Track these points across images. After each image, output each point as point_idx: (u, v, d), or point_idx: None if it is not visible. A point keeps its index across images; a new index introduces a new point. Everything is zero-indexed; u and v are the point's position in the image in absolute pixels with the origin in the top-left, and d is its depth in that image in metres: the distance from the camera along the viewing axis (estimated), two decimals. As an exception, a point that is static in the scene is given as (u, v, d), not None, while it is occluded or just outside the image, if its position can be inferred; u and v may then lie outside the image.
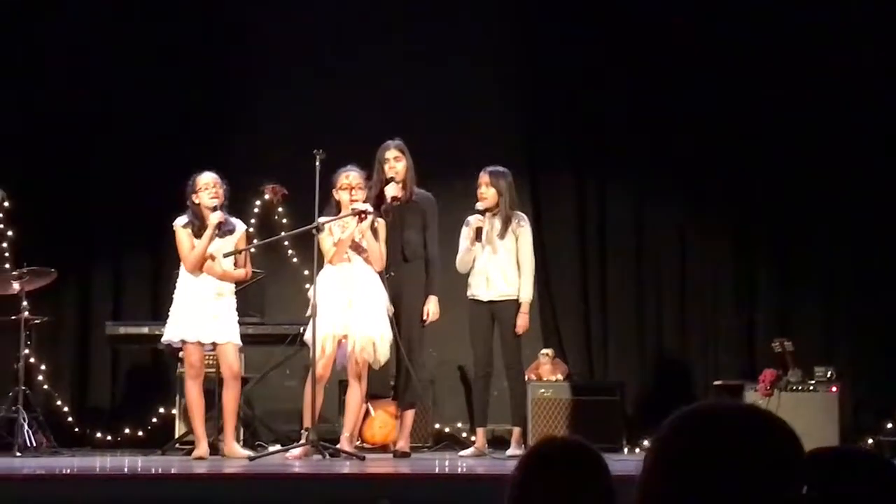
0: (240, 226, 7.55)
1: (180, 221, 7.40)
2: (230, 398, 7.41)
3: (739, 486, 1.87)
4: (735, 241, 9.56)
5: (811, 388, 8.43)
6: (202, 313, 7.32)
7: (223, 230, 7.40)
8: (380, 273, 7.36)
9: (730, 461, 1.89)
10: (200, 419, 7.40)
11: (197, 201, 7.37)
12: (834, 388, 8.40)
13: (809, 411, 8.35)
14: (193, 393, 7.37)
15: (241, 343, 7.53)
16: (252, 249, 7.40)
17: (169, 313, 7.46)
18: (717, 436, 1.92)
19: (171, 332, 7.38)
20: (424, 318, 7.62)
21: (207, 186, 7.35)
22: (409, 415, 7.78)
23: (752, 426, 1.94)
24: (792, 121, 9.35)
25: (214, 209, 7.31)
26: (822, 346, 9.15)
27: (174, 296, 7.45)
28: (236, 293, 7.60)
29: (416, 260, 7.68)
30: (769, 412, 1.98)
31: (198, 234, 7.34)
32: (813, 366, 8.54)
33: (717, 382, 9.08)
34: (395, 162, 7.63)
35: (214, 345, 7.40)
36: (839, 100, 9.22)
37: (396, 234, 7.56)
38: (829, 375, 8.46)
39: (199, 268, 7.35)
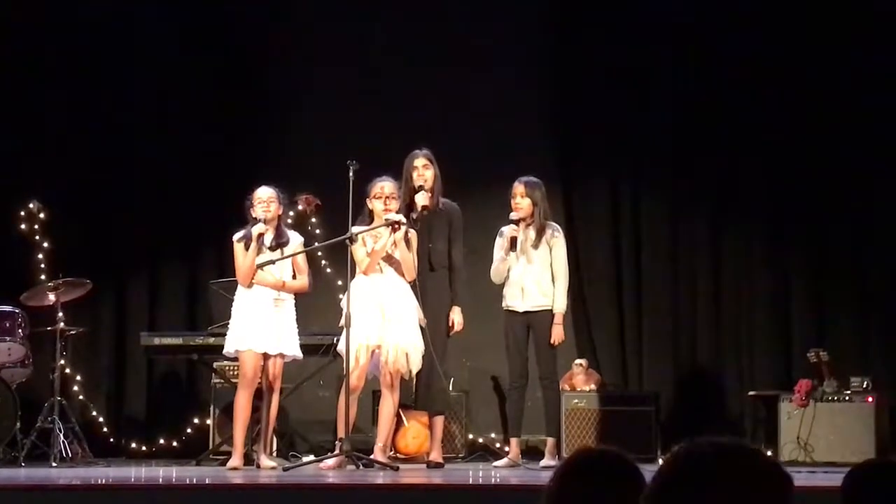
0: (295, 238, 7.60)
1: (237, 235, 7.48)
2: (268, 409, 7.43)
3: None
4: (770, 250, 9.49)
5: (847, 398, 8.38)
6: (258, 324, 7.36)
7: (277, 242, 7.45)
8: (411, 283, 7.37)
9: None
10: (242, 429, 7.41)
11: (254, 215, 7.43)
12: (870, 399, 8.34)
13: (845, 422, 8.31)
14: (242, 402, 7.38)
15: (300, 355, 7.56)
16: (281, 260, 7.40)
17: (228, 326, 7.52)
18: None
19: (230, 344, 7.44)
20: (450, 327, 7.62)
21: (260, 201, 7.44)
22: (439, 423, 7.75)
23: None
24: (825, 126, 9.28)
25: (259, 222, 7.36)
26: (859, 357, 9.07)
27: (232, 309, 7.51)
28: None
29: (442, 269, 7.67)
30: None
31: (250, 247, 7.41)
32: (849, 376, 8.49)
33: (751, 393, 9.04)
34: (424, 170, 7.64)
35: (266, 355, 7.42)
36: (878, 104, 9.17)
37: (423, 243, 7.56)
38: (865, 386, 8.40)
39: (248, 279, 7.40)
